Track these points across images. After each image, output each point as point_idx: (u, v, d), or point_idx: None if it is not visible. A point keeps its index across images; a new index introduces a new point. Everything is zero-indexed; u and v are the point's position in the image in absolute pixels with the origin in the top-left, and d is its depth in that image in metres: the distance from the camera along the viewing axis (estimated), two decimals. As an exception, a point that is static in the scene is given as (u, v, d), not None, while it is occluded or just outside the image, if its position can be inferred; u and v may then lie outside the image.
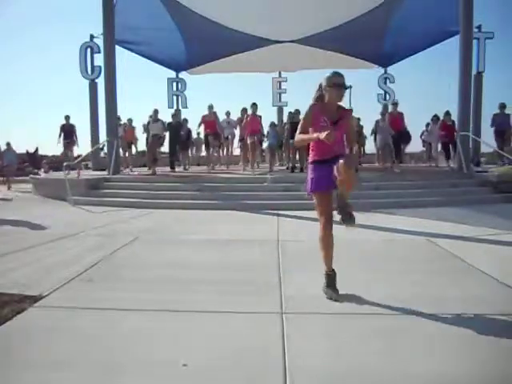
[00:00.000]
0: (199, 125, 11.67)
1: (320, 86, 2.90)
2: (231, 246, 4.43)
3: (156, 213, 6.83)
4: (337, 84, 2.80)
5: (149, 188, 8.47)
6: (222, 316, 2.57)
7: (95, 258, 3.89)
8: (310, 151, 2.94)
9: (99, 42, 11.31)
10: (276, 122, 12.48)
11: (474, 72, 10.77)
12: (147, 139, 11.07)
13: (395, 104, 11.07)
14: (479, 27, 11.69)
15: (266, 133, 11.21)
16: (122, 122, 12.19)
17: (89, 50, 11.97)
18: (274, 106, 15.18)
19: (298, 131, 2.91)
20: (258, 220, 6.23)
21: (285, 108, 15.11)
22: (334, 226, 2.94)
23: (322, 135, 2.56)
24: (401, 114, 10.75)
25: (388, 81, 14.89)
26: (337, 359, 2.02)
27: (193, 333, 2.33)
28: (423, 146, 14.14)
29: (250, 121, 10.05)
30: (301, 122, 2.94)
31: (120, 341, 2.24)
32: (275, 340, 2.20)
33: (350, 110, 3.02)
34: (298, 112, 10.35)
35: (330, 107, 2.86)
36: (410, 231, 5.07)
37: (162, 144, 11.12)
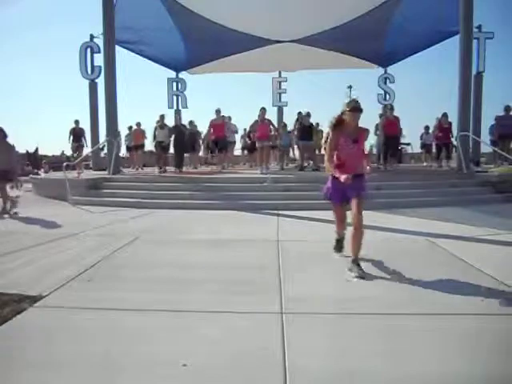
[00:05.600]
0: (208, 130, 11.66)
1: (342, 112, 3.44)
2: (231, 246, 4.42)
3: (156, 213, 6.83)
4: (354, 108, 3.36)
5: (149, 188, 8.47)
6: (222, 316, 2.57)
7: (95, 257, 3.89)
8: (335, 166, 3.48)
9: (99, 42, 11.32)
10: (286, 123, 12.86)
11: (474, 72, 10.76)
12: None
13: (392, 108, 10.94)
14: (479, 27, 11.68)
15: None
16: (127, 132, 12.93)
17: (89, 49, 11.99)
18: (274, 106, 15.16)
19: (326, 155, 3.54)
20: (258, 220, 6.22)
21: (285, 108, 15.14)
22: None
23: (342, 178, 3.23)
24: (396, 118, 10.72)
25: (388, 81, 14.89)
26: (337, 359, 2.02)
27: (193, 333, 2.33)
28: (421, 148, 14.38)
29: (259, 126, 10.17)
30: (327, 146, 3.54)
31: (120, 341, 2.24)
32: (275, 340, 2.20)
33: (367, 130, 3.65)
34: (308, 115, 10.54)
35: (348, 129, 3.42)
36: (410, 231, 5.07)
37: (167, 151, 11.49)
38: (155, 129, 11.49)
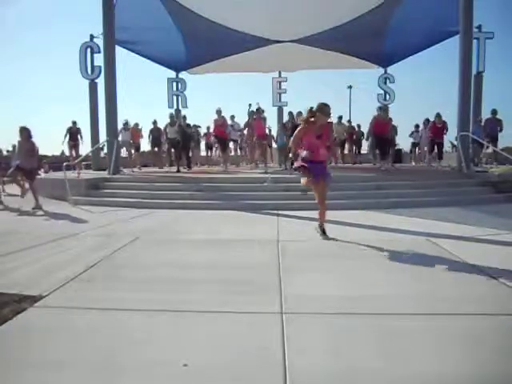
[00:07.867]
0: (214, 130, 11.93)
1: (311, 108, 4.31)
2: (231, 246, 4.42)
3: (156, 213, 6.83)
4: (326, 112, 4.29)
5: (149, 188, 8.48)
6: (222, 316, 2.57)
7: (95, 258, 3.89)
8: (303, 152, 4.42)
9: (99, 42, 11.33)
10: (284, 121, 12.64)
11: (474, 72, 10.78)
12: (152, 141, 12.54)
13: (384, 109, 10.73)
14: (479, 27, 11.70)
15: (274, 133, 11.46)
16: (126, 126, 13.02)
17: (89, 49, 12.01)
18: (274, 106, 15.18)
19: (293, 139, 4.44)
20: (258, 220, 6.22)
21: (285, 108, 15.16)
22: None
23: (303, 181, 4.50)
24: (388, 119, 10.64)
25: (388, 81, 14.89)
26: (337, 359, 2.02)
27: (193, 333, 2.33)
28: (411, 147, 14.74)
29: (256, 125, 10.38)
30: (296, 133, 4.41)
31: (120, 341, 2.24)
32: (275, 340, 2.20)
33: (330, 123, 4.62)
34: (300, 113, 10.45)
35: (317, 126, 4.29)
36: (410, 231, 5.07)
37: (177, 147, 11.76)
38: (166, 126, 12.04)
